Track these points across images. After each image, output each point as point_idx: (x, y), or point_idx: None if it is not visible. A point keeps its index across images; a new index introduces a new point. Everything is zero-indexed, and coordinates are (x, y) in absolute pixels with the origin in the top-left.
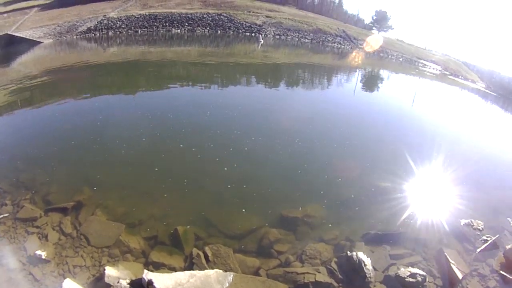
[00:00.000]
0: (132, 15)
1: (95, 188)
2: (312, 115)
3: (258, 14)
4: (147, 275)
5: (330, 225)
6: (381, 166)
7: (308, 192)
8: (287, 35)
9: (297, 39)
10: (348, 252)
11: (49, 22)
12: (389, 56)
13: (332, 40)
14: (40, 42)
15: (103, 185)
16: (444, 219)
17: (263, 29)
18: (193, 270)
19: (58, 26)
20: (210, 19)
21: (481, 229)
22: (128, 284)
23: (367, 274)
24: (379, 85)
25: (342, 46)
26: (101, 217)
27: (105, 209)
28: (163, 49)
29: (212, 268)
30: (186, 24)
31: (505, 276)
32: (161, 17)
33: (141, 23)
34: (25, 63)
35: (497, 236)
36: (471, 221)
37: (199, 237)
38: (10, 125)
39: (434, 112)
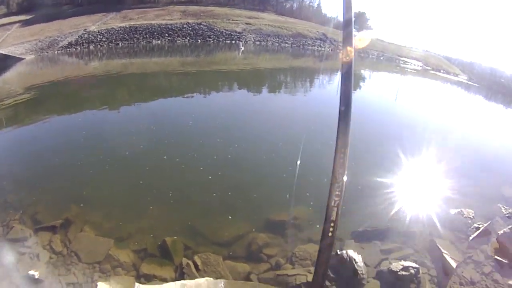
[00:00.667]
0: (113, 28)
1: (81, 205)
2: (294, 118)
3: (238, 22)
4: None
5: (318, 226)
6: (366, 162)
7: (294, 194)
8: (268, 40)
9: (278, 44)
10: (338, 251)
11: (30, 38)
12: (370, 56)
13: (312, 43)
14: (22, 59)
15: (90, 201)
16: (434, 211)
17: (243, 36)
18: (184, 279)
19: (40, 41)
20: (190, 28)
21: (472, 217)
22: None
23: (358, 271)
24: (361, 84)
25: (322, 49)
26: (89, 233)
27: (93, 225)
28: (144, 60)
29: (203, 277)
30: (166, 35)
31: (500, 260)
32: (141, 29)
33: (121, 35)
34: (8, 81)
35: (489, 222)
36: (461, 210)
37: (188, 247)
38: None
39: (417, 107)
